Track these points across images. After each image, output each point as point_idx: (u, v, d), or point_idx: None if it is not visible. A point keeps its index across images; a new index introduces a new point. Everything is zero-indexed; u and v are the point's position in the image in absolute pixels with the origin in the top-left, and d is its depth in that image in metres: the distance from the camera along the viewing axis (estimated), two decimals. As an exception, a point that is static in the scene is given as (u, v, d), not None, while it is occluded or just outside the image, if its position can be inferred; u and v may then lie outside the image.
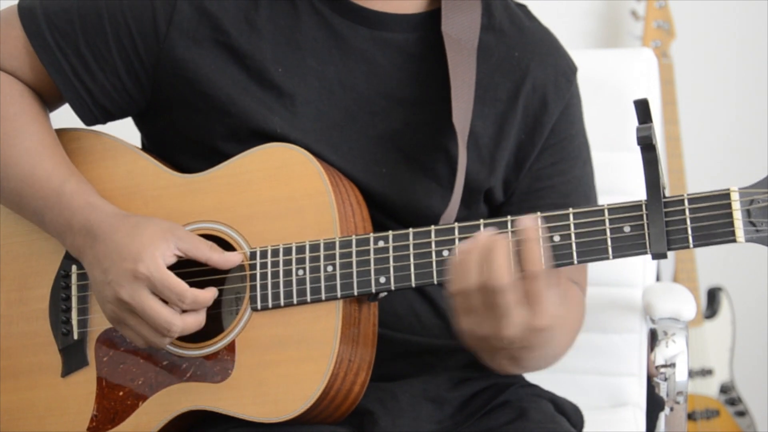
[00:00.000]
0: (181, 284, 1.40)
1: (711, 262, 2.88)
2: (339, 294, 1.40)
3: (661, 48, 2.91)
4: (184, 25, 1.51)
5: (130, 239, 1.42)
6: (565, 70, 1.62)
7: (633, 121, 2.01)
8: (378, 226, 1.49)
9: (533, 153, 1.59)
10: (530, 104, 1.58)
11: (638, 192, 1.98)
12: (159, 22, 1.51)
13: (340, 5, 1.54)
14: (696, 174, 2.94)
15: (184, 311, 1.42)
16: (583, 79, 1.66)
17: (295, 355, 1.41)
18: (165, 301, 1.41)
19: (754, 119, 3.05)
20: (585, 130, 1.66)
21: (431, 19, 1.56)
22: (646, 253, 1.29)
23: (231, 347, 1.44)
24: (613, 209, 1.31)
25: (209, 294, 1.43)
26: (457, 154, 1.50)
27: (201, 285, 1.47)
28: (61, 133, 1.57)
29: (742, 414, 2.92)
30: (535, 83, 1.58)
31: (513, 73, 1.57)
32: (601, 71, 2.00)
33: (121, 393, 1.49)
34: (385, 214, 1.53)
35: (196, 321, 1.43)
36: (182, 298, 1.40)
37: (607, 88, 2.01)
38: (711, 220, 1.27)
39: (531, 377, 1.67)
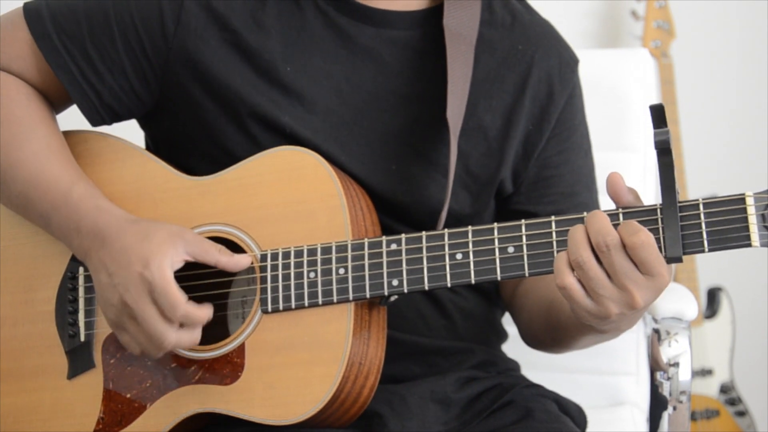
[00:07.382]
0: (177, 295, 1.38)
1: (711, 262, 2.87)
2: (351, 296, 1.40)
3: (661, 48, 2.91)
4: (192, 24, 1.51)
5: (139, 244, 1.41)
6: (568, 60, 1.64)
7: (631, 121, 2.03)
8: (387, 231, 1.48)
9: (541, 142, 1.61)
10: (537, 95, 1.60)
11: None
12: (167, 21, 1.51)
13: (344, 5, 1.54)
14: (696, 174, 2.94)
15: (181, 326, 1.40)
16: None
17: (306, 357, 1.40)
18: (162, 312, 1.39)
19: (754, 119, 3.06)
20: (587, 122, 1.68)
21: (434, 15, 1.57)
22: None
23: (241, 349, 1.43)
24: (627, 213, 1.31)
25: (203, 312, 1.40)
26: (464, 147, 1.53)
27: (208, 287, 1.47)
28: (68, 135, 1.56)
29: (742, 414, 2.92)
30: (541, 74, 1.60)
31: (519, 66, 1.59)
32: (597, 71, 2.01)
33: (128, 395, 1.48)
34: (395, 216, 1.53)
35: (190, 338, 1.41)
36: (175, 308, 1.38)
37: (604, 88, 2.01)
38: (726, 224, 1.27)
39: (531, 376, 1.67)
